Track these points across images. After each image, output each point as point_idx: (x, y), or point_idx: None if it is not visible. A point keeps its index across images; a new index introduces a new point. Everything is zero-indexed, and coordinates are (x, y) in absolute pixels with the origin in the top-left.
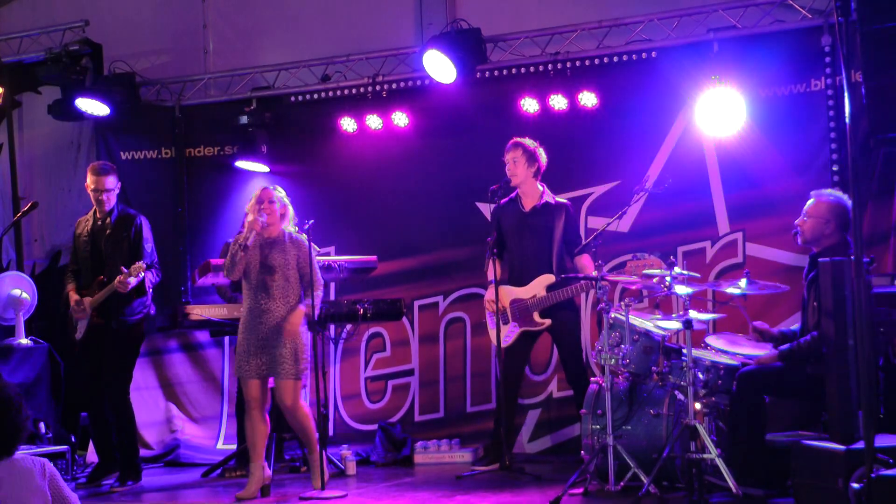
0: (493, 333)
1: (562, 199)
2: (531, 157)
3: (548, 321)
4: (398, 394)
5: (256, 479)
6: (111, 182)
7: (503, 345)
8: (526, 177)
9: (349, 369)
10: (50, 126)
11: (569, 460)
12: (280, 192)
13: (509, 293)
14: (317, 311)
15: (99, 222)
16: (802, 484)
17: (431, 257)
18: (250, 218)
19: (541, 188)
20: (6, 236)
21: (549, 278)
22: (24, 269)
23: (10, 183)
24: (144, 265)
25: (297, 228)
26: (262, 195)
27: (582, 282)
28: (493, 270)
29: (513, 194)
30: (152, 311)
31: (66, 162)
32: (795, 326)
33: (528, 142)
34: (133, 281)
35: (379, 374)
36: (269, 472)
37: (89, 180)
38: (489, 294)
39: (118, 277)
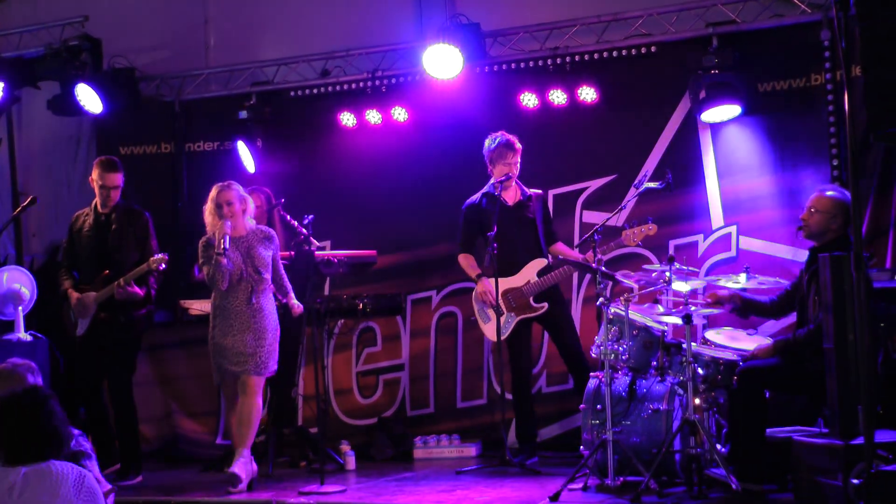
0: (485, 328)
1: (536, 189)
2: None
3: (545, 304)
4: (389, 389)
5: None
6: (120, 179)
7: (502, 337)
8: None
9: (341, 364)
10: (49, 121)
11: (568, 455)
12: (237, 189)
13: (500, 285)
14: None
15: (102, 217)
16: (802, 479)
17: (425, 252)
18: (208, 218)
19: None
20: (5, 231)
21: (540, 262)
22: (23, 263)
23: (9, 178)
24: (166, 256)
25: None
26: (218, 199)
27: (571, 265)
28: (482, 265)
29: (484, 189)
30: (153, 306)
31: (65, 157)
32: (768, 298)
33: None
34: (137, 290)
35: (370, 368)
36: (255, 466)
37: (98, 175)
38: (481, 287)
39: (118, 282)
